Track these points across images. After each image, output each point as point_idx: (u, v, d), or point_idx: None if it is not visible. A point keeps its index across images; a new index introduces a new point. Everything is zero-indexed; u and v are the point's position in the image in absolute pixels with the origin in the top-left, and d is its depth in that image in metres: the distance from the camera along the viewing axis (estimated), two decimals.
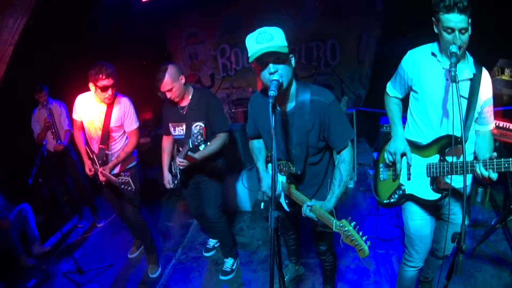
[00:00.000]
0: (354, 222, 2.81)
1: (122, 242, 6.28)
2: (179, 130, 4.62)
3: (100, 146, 4.86)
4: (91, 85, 4.54)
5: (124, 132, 4.98)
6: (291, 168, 3.43)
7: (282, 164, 3.50)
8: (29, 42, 5.81)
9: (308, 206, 3.16)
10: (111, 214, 7.32)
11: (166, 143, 4.95)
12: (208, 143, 4.42)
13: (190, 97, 4.55)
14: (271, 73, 2.83)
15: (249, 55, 2.89)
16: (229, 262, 5.19)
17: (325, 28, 9.33)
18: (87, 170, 4.98)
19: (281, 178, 3.57)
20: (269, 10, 9.18)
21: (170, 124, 4.70)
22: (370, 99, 9.32)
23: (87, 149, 5.00)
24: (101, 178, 4.79)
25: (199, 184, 4.90)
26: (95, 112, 4.78)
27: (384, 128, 6.26)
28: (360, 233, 2.77)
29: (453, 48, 2.74)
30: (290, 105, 3.21)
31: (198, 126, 4.36)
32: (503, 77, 6.17)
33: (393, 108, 3.50)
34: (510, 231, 5.14)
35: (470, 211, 4.81)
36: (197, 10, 9.74)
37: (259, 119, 3.49)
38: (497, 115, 4.98)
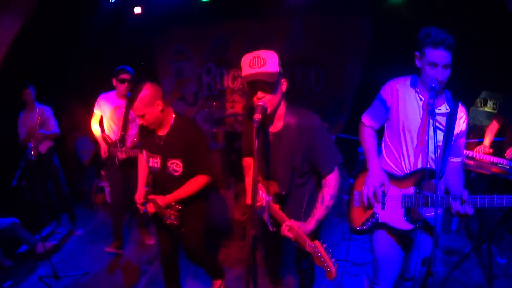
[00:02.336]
0: (326, 245, 2.87)
1: (99, 251, 6.22)
2: (154, 162, 4.09)
3: (121, 132, 5.69)
4: (113, 81, 5.56)
5: (135, 125, 5.65)
6: (277, 188, 3.49)
7: (269, 183, 3.55)
8: (23, 44, 5.82)
9: (286, 225, 3.19)
10: (90, 223, 7.37)
11: (143, 160, 4.32)
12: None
13: (169, 126, 3.96)
14: (258, 98, 2.94)
15: (242, 75, 2.99)
16: (216, 284, 5.00)
17: (311, 53, 9.43)
18: (102, 152, 5.81)
19: (268, 198, 3.59)
20: (257, 33, 9.26)
21: (144, 151, 4.20)
22: (350, 126, 9.38)
23: (105, 136, 5.80)
24: (123, 156, 5.61)
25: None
26: (116, 106, 5.70)
27: (363, 155, 6.39)
28: (330, 255, 2.82)
29: (433, 83, 2.86)
30: (278, 126, 3.29)
31: (174, 164, 3.98)
32: (486, 109, 6.30)
33: (368, 139, 3.52)
34: (483, 259, 5.23)
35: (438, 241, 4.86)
36: (187, 27, 9.75)
37: (249, 139, 3.53)
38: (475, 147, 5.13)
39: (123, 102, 5.70)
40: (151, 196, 4.03)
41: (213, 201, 6.40)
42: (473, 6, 6.15)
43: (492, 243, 4.97)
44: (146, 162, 4.19)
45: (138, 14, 8.09)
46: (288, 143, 3.25)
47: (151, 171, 4.23)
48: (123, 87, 5.55)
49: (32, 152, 5.99)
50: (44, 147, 6.57)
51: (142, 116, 3.72)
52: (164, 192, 4.03)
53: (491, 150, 5.19)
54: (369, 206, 3.42)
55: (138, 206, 4.20)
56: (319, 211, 3.30)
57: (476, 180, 5.18)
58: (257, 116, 2.75)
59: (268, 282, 4.92)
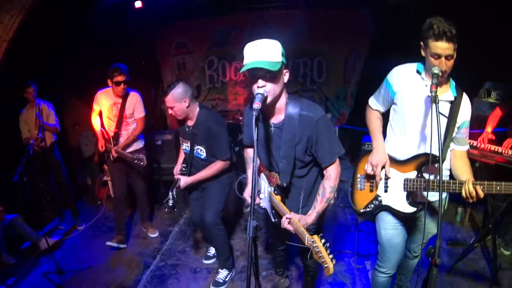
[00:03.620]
0: (325, 240, 2.82)
1: (102, 246, 6.21)
2: (186, 146, 4.88)
3: (115, 130, 5.81)
4: (109, 81, 5.53)
5: (134, 120, 5.93)
6: (278, 179, 3.48)
7: (271, 175, 3.56)
8: (23, 41, 5.79)
9: (286, 218, 3.16)
10: (92, 218, 7.35)
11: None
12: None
13: (195, 119, 4.66)
14: (258, 87, 2.88)
15: (243, 63, 2.93)
16: (223, 273, 5.19)
17: (313, 45, 9.41)
18: (99, 146, 5.95)
19: (270, 189, 3.61)
20: (259, 25, 9.27)
21: (180, 137, 4.98)
22: (353, 117, 9.42)
23: (103, 131, 5.94)
24: (114, 154, 5.75)
25: (204, 189, 5.03)
26: (113, 103, 5.73)
27: (366, 146, 6.41)
28: (328, 251, 2.78)
29: (436, 70, 2.88)
30: (279, 118, 3.26)
31: (199, 149, 4.73)
32: (489, 100, 6.25)
33: (375, 121, 3.59)
34: (488, 250, 5.22)
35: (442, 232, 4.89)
36: (188, 21, 9.76)
37: (250, 130, 3.53)
38: (479, 136, 5.11)
39: (119, 100, 5.73)
40: (178, 176, 4.79)
41: None
42: None
43: (497, 234, 4.96)
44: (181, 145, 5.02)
45: (138, 8, 8.05)
46: (290, 135, 3.23)
47: (184, 153, 5.00)
48: (119, 89, 5.56)
49: (34, 147, 6.02)
50: (46, 142, 6.53)
51: (171, 108, 4.49)
52: (191, 169, 4.89)
53: (493, 137, 5.18)
54: (372, 181, 3.51)
55: (176, 177, 4.85)
56: (319, 204, 3.29)
57: (481, 169, 5.16)
58: (257, 104, 2.70)
59: (272, 274, 4.93)
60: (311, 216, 3.26)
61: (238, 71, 9.97)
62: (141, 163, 5.50)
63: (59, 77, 7.29)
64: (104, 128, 5.92)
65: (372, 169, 3.38)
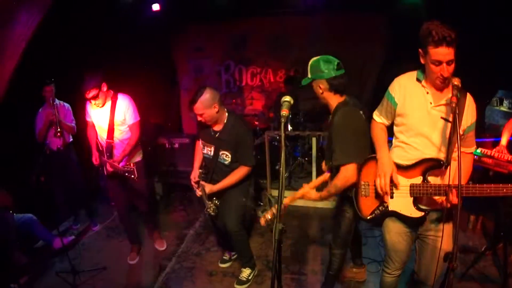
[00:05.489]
0: None
1: (116, 247, 6.32)
2: (208, 151, 4.89)
3: (107, 140, 5.39)
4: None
5: (128, 127, 5.46)
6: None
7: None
8: (41, 40, 5.83)
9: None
10: (107, 218, 7.43)
11: (199, 147, 5.10)
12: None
13: (223, 124, 4.70)
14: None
15: None
16: (246, 272, 5.26)
17: (329, 51, 9.29)
18: (93, 159, 5.62)
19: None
20: (276, 31, 9.34)
21: (200, 141, 5.02)
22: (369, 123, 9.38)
23: (98, 142, 5.56)
24: (109, 168, 5.33)
25: (223, 196, 4.98)
26: (102, 112, 5.34)
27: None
28: None
29: (456, 82, 2.88)
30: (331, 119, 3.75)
31: (224, 154, 4.75)
32: (502, 108, 6.25)
33: (379, 132, 3.57)
34: (499, 258, 5.24)
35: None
36: (205, 25, 9.83)
37: None
38: (493, 146, 5.13)
39: (108, 107, 5.32)
40: (202, 182, 4.86)
41: None
42: (489, 5, 6.13)
43: (508, 241, 4.97)
44: (201, 150, 5.01)
45: (156, 11, 8.10)
46: (330, 134, 3.71)
47: (204, 157, 5.04)
48: (97, 103, 5.17)
49: (49, 146, 6.16)
50: (62, 142, 6.56)
51: (201, 115, 4.50)
52: (212, 175, 4.94)
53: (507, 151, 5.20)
54: (384, 195, 3.47)
55: (192, 184, 5.02)
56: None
57: (494, 178, 5.18)
58: (284, 111, 2.97)
59: (287, 278, 5.06)
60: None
61: (254, 76, 10.02)
62: (132, 176, 5.06)
63: (75, 78, 7.35)
64: (98, 139, 5.56)
65: (380, 182, 3.36)
